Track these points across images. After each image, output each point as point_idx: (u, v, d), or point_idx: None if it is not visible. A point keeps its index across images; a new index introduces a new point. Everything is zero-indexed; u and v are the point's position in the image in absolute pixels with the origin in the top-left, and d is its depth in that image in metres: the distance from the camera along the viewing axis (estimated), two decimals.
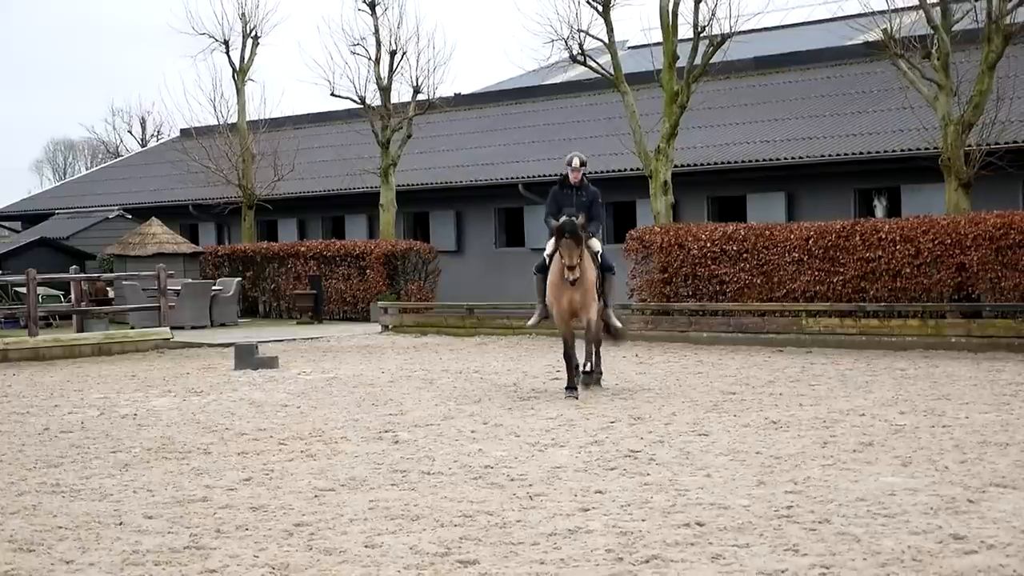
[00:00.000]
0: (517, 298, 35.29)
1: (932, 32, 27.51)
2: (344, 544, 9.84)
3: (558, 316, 18.77)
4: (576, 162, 19.19)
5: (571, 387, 18.60)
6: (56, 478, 13.34)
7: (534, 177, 38.57)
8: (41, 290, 35.27)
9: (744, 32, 33.23)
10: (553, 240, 18.58)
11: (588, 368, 19.72)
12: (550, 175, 37.91)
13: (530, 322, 20.25)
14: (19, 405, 19.89)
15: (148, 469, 13.76)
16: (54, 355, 28.36)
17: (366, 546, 9.80)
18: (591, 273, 18.50)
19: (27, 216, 56.12)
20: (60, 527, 10.88)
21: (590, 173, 36.68)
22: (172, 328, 32.18)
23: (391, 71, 41.07)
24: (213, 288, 37.92)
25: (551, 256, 18.79)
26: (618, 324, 20.06)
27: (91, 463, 14.28)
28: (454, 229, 42.59)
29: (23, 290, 34.48)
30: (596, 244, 19.11)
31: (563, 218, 18.10)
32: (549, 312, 19.08)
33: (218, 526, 10.75)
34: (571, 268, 17.91)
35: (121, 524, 10.95)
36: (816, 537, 9.68)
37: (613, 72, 32.39)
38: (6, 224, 58.10)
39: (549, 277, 18.78)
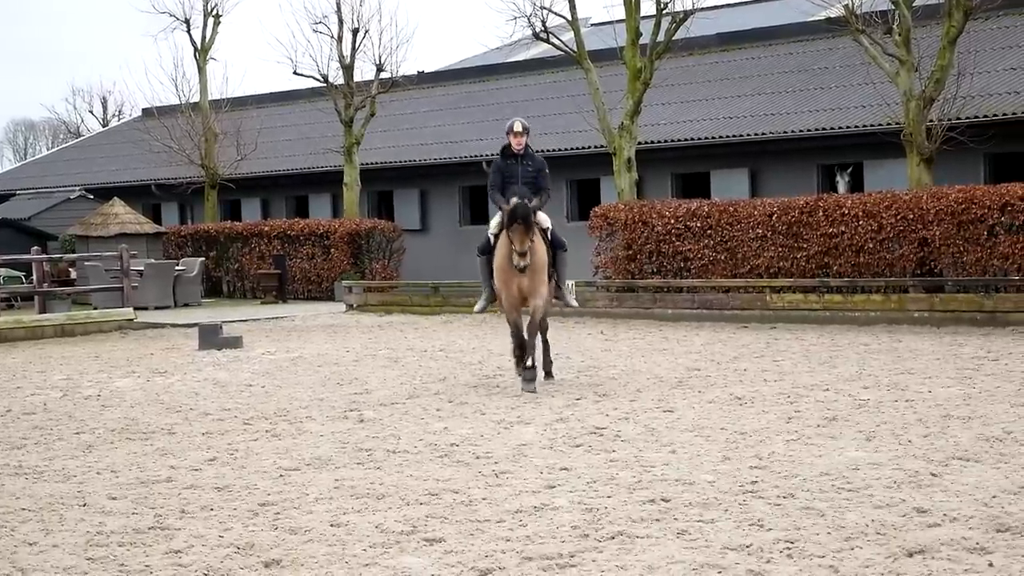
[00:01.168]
0: (478, 276, 35.33)
1: (893, 7, 27.58)
2: (310, 523, 9.83)
3: (507, 302, 17.38)
4: (518, 126, 17.58)
5: (528, 379, 17.12)
6: (19, 460, 13.28)
7: (496, 154, 38.51)
8: (2, 271, 35.09)
9: (707, 8, 33.35)
10: (497, 218, 17.53)
11: (531, 363, 17.41)
12: None
13: (476, 308, 18.57)
14: None
15: (112, 450, 13.72)
16: (16, 337, 28.22)
17: (332, 525, 9.78)
18: (542, 254, 17.25)
19: None
20: (23, 509, 10.83)
21: (555, 151, 37.02)
22: (135, 309, 32.07)
23: (354, 49, 40.96)
24: (176, 268, 37.80)
25: (496, 236, 17.57)
26: (574, 303, 18.97)
27: (54, 444, 14.22)
28: (418, 207, 42.52)
29: None
30: (545, 220, 17.71)
31: (514, 200, 16.79)
32: (498, 296, 17.67)
33: (183, 506, 10.72)
34: (522, 255, 16.65)
35: (85, 505, 10.91)
36: (781, 512, 9.71)
37: (576, 49, 32.38)
38: None
39: (496, 260, 17.36)
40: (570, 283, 19.26)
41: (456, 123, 43.72)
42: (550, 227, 17.77)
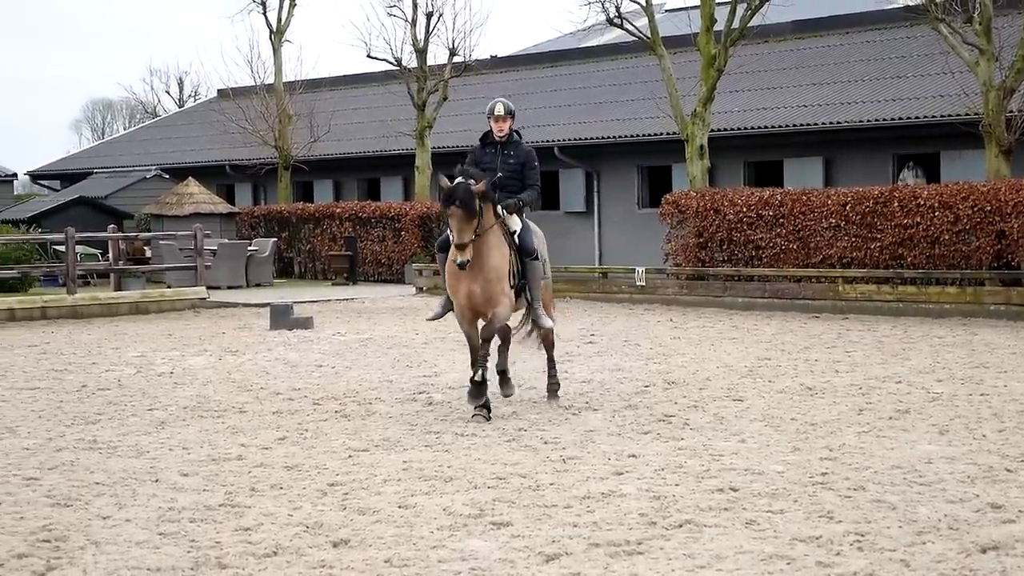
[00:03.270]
0: (551, 261, 35.28)
1: None
2: (378, 504, 9.86)
3: (456, 310, 14.51)
4: (500, 108, 14.63)
5: (475, 395, 14.08)
6: (94, 435, 13.42)
7: (569, 140, 38.47)
8: (79, 248, 35.36)
9: None
10: None
11: (481, 377, 14.13)
12: (586, 139, 37.91)
13: (429, 315, 15.59)
14: (57, 362, 19.99)
15: (184, 427, 13.82)
16: (92, 313, 28.48)
17: (400, 506, 9.81)
18: (499, 260, 14.11)
19: (66, 175, 56.24)
20: (97, 483, 10.94)
21: (627, 136, 36.90)
22: (208, 288, 32.28)
23: (427, 33, 40.98)
24: (249, 248, 37.98)
25: None
26: (549, 324, 15.12)
27: (128, 420, 14.35)
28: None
29: (62, 248, 34.61)
30: (515, 222, 14.61)
31: (458, 180, 13.90)
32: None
33: (253, 484, 10.79)
34: (460, 248, 13.67)
35: (157, 481, 11.00)
36: (851, 504, 9.65)
37: (650, 35, 32.21)
38: (45, 183, 58.32)
39: (448, 261, 14.35)
40: (559, 303, 15.78)
41: (528, 108, 43.57)
42: (519, 229, 14.60)
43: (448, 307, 14.77)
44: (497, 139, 14.69)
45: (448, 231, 14.32)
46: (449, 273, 14.23)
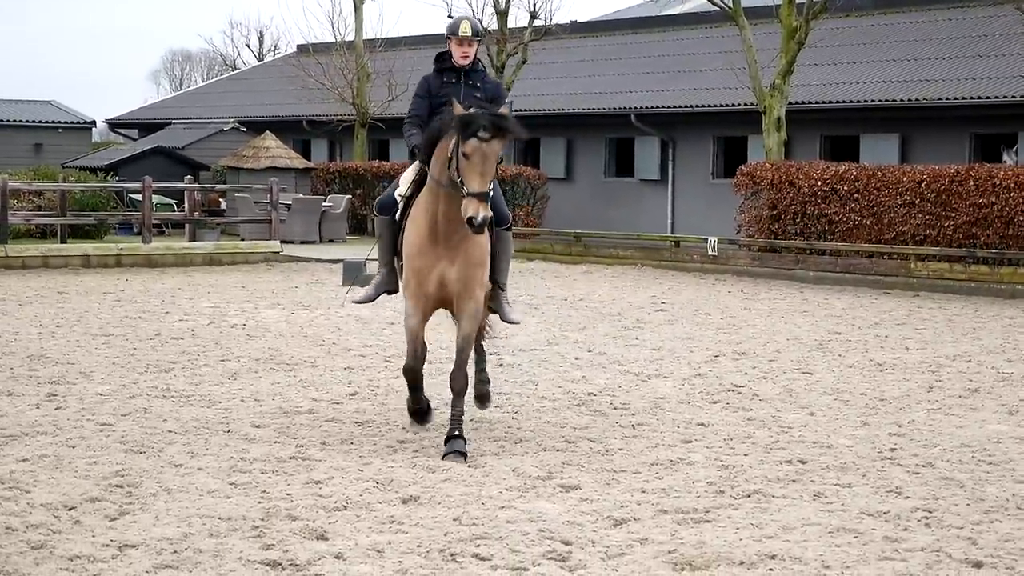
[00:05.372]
0: (624, 228, 35.24)
1: None
2: (447, 463, 9.90)
3: (414, 300, 10.75)
4: (466, 27, 11.16)
5: (420, 421, 11.31)
6: (167, 383, 13.53)
7: (646, 108, 38.33)
8: (156, 198, 35.59)
9: None
10: (411, 173, 11.08)
11: (425, 404, 11.35)
12: (663, 107, 37.75)
13: (356, 296, 11.97)
14: (132, 310, 20.16)
15: (256, 379, 13.92)
16: (166, 263, 28.70)
17: (469, 465, 9.86)
18: (483, 239, 10.61)
19: (143, 125, 56.57)
20: (170, 431, 11.04)
21: (704, 106, 36.72)
22: (282, 242, 32.41)
23: None
24: (323, 204, 38.11)
25: (410, 198, 10.95)
26: (517, 319, 11.93)
27: (200, 370, 14.46)
28: (564, 157, 42.39)
29: (138, 197, 34.84)
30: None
31: (471, 108, 10.26)
32: (405, 286, 10.93)
33: (324, 439, 10.86)
34: (484, 199, 9.90)
35: (229, 431, 11.09)
36: (919, 480, 9.61)
37: (732, 5, 32.03)
38: (123, 131, 58.71)
39: (409, 233, 10.73)
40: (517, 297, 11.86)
41: (605, 74, 43.48)
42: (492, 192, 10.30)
43: (385, 287, 11.44)
44: (459, 65, 11.17)
45: (396, 197, 11.08)
46: (413, 246, 10.60)
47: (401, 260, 11.00)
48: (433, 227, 10.42)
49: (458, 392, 10.50)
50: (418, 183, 10.82)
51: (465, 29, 11.11)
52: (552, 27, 42.09)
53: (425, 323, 10.93)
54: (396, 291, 11.33)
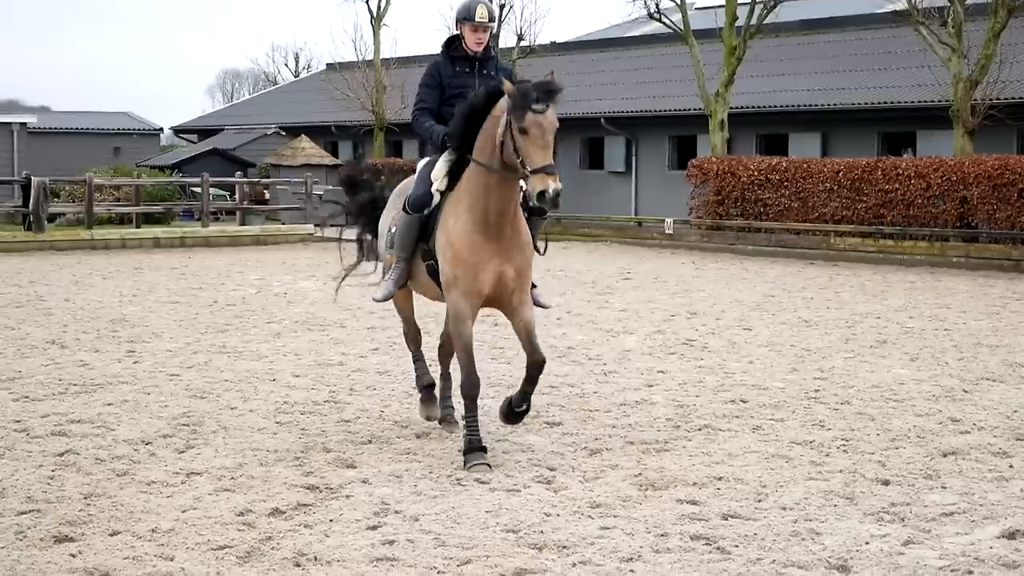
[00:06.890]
0: (596, 211, 35.19)
1: (948, 4, 26.90)
2: (455, 405, 9.88)
3: (461, 303, 8.17)
4: (483, 12, 8.73)
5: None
6: (223, 341, 13.52)
7: (613, 113, 38.21)
8: (212, 191, 35.48)
9: None
10: (444, 164, 8.39)
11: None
12: (627, 112, 37.63)
13: (378, 295, 8.96)
14: (193, 282, 20.13)
15: (296, 338, 13.91)
16: (221, 243, 28.68)
17: None
18: (525, 222, 8.39)
19: (201, 130, 56.32)
20: (226, 380, 11.05)
21: (661, 111, 36.65)
22: (315, 226, 32.31)
23: (500, 21, 40.75)
24: None
25: (445, 188, 8.39)
26: (548, 303, 9.12)
27: (250, 331, 14.45)
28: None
29: (198, 190, 34.73)
30: None
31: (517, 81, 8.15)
32: (450, 285, 8.18)
33: (351, 386, 10.87)
34: (549, 170, 7.77)
35: (274, 380, 11.09)
36: (838, 415, 9.64)
37: (683, 28, 31.94)
38: (184, 136, 58.52)
39: (454, 227, 8.14)
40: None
41: (580, 85, 43.09)
42: None
43: (400, 281, 8.79)
44: (472, 52, 8.81)
45: (433, 192, 8.40)
46: (463, 243, 8.08)
47: (422, 257, 8.58)
48: (483, 220, 8.02)
49: (530, 380, 8.28)
50: (449, 176, 8.34)
51: (481, 13, 8.71)
52: (536, 47, 41.96)
53: (472, 324, 8.26)
54: (404, 286, 8.95)
